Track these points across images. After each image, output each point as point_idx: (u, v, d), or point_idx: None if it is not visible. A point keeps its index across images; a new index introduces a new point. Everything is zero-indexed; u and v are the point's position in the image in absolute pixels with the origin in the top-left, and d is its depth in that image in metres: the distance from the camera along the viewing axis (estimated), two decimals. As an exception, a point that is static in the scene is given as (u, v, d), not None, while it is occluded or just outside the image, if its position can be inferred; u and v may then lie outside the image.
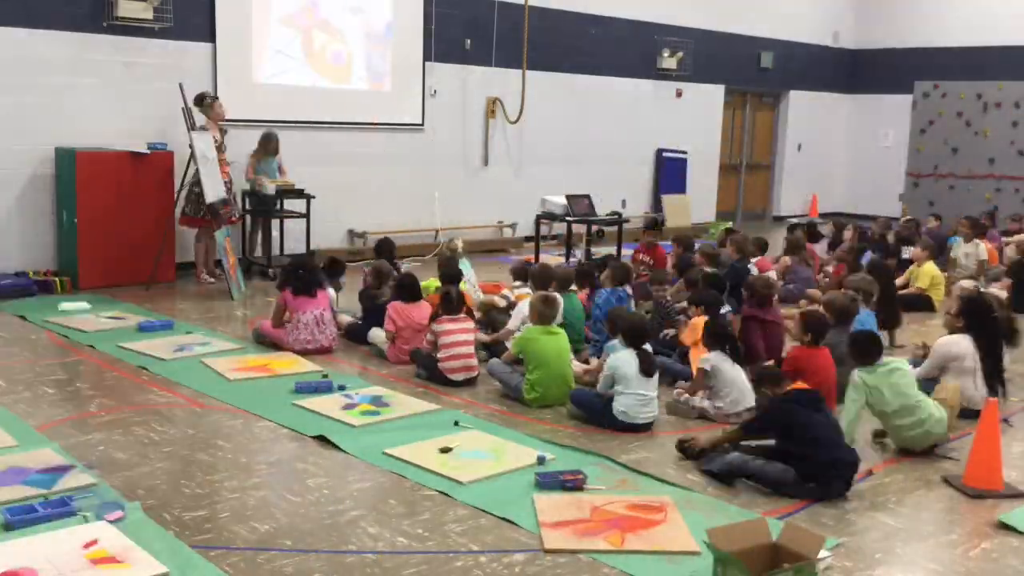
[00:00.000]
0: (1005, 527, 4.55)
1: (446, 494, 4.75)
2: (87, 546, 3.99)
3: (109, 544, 4.01)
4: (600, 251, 10.50)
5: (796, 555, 3.80)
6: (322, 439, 5.46)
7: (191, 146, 9.36)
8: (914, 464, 5.39)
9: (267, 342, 7.50)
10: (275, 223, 10.92)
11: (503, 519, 4.47)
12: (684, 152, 16.01)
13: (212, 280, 9.90)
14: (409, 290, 7.33)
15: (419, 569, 3.97)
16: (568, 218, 9.32)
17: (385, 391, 6.42)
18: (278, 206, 10.59)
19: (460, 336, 6.73)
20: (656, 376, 5.93)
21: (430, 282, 8.32)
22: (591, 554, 4.17)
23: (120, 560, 3.90)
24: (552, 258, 10.50)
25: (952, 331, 6.43)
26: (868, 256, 9.96)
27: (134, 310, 8.56)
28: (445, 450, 5.27)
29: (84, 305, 8.49)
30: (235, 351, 7.35)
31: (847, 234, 11.65)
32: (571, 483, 4.90)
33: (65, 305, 8.42)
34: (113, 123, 9.81)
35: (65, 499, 4.38)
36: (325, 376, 6.62)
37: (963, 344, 6.22)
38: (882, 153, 18.84)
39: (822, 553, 4.09)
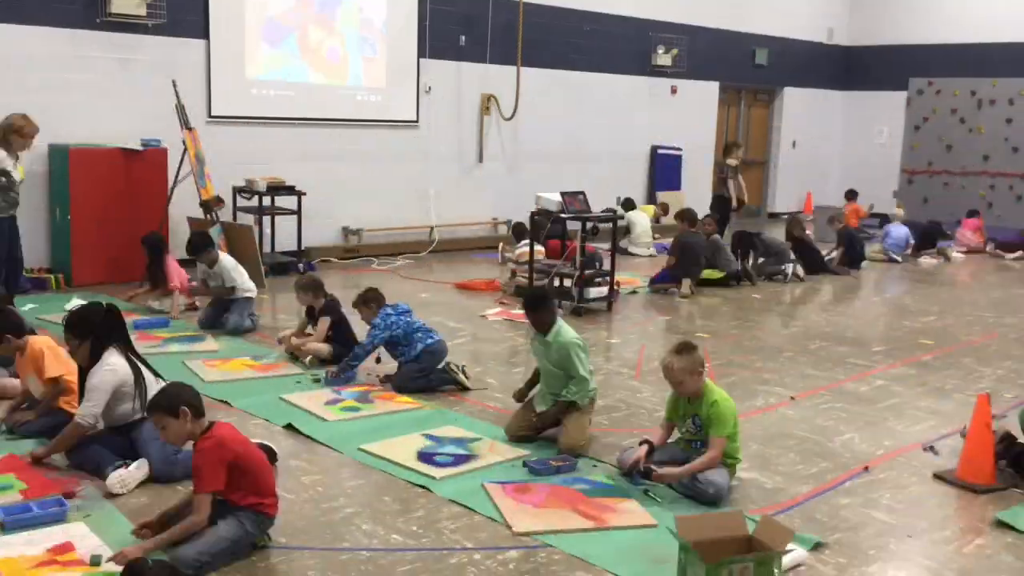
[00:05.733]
0: (1001, 524, 4.55)
1: (424, 487, 4.76)
2: (59, 550, 3.90)
3: (79, 545, 3.95)
4: (596, 247, 10.49)
5: (768, 548, 3.76)
6: (307, 431, 5.46)
7: (184, 143, 9.34)
8: (908, 461, 5.40)
9: None
10: (266, 220, 10.89)
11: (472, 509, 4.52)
12: (679, 149, 16.02)
13: None
14: None
15: (413, 566, 3.96)
16: (563, 215, 9.30)
17: (375, 389, 6.41)
18: (270, 202, 10.57)
19: None
20: None
21: None
22: (557, 534, 4.24)
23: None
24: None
25: None
26: None
27: (128, 308, 8.52)
28: None
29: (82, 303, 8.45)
30: (228, 349, 7.33)
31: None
32: (565, 467, 4.99)
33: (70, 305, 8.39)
34: (107, 120, 9.79)
35: (60, 499, 4.32)
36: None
37: None
38: (877, 150, 18.86)
39: (801, 552, 4.08)
